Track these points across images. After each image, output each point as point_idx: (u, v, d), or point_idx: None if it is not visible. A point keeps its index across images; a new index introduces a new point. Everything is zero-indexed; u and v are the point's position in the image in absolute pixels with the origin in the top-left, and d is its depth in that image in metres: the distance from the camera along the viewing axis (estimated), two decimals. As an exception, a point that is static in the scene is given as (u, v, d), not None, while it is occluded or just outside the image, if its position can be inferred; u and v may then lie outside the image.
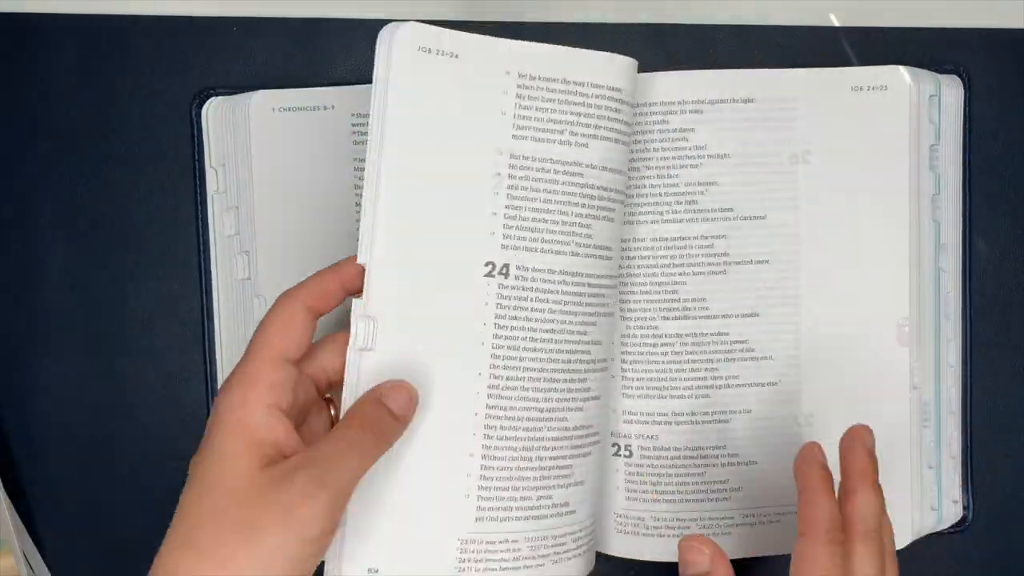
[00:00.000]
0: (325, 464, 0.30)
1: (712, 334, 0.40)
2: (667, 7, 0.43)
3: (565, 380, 0.36)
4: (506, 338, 0.35)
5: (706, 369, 0.40)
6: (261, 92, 0.41)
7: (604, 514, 0.41)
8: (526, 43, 0.35)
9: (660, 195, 0.40)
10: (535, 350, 0.35)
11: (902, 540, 0.42)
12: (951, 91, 0.42)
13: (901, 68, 0.40)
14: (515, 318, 0.35)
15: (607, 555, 0.41)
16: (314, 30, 0.42)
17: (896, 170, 0.41)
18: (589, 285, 0.36)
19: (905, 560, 0.40)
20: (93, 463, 0.43)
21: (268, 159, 0.41)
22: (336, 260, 0.40)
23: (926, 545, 0.43)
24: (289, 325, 0.32)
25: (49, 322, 0.43)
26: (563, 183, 0.35)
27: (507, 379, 0.35)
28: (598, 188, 0.36)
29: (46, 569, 0.43)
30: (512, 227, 0.35)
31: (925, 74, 0.41)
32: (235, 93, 0.42)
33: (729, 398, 0.41)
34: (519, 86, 0.35)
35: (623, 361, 0.40)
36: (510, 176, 0.35)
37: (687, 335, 0.40)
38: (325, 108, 0.41)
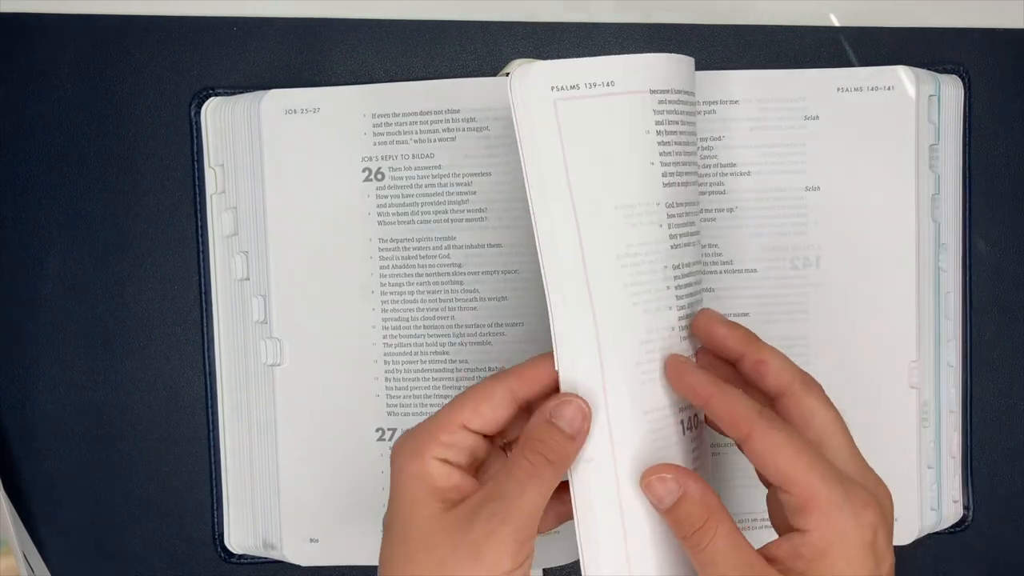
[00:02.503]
0: (504, 498, 0.30)
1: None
2: (667, 7, 0.43)
3: None
4: None
5: None
6: (271, 92, 0.41)
7: None
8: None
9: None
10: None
11: (902, 540, 0.42)
12: (951, 91, 0.42)
13: (901, 68, 0.40)
14: None
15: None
16: (314, 30, 0.42)
17: (901, 171, 0.41)
18: None
19: (905, 560, 0.40)
20: (93, 463, 0.43)
21: (280, 158, 0.41)
22: (349, 257, 0.41)
23: (926, 545, 0.43)
24: (483, 402, 0.32)
25: (49, 322, 0.43)
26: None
27: None
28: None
29: (46, 569, 0.43)
30: None
31: (925, 74, 0.41)
32: (234, 93, 0.42)
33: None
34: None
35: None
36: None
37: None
38: (337, 107, 0.41)
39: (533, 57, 0.42)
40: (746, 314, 0.41)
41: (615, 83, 0.33)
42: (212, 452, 0.43)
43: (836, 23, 0.43)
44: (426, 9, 0.43)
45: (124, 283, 0.43)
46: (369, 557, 0.43)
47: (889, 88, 0.40)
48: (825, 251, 0.41)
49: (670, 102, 0.34)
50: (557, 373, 0.32)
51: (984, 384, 0.44)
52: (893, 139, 0.41)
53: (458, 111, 0.41)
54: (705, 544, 0.30)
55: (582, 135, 0.32)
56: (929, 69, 0.42)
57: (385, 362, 0.42)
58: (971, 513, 0.44)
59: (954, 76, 0.42)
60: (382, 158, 0.41)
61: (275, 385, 0.42)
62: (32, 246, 0.43)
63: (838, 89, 0.40)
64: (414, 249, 0.41)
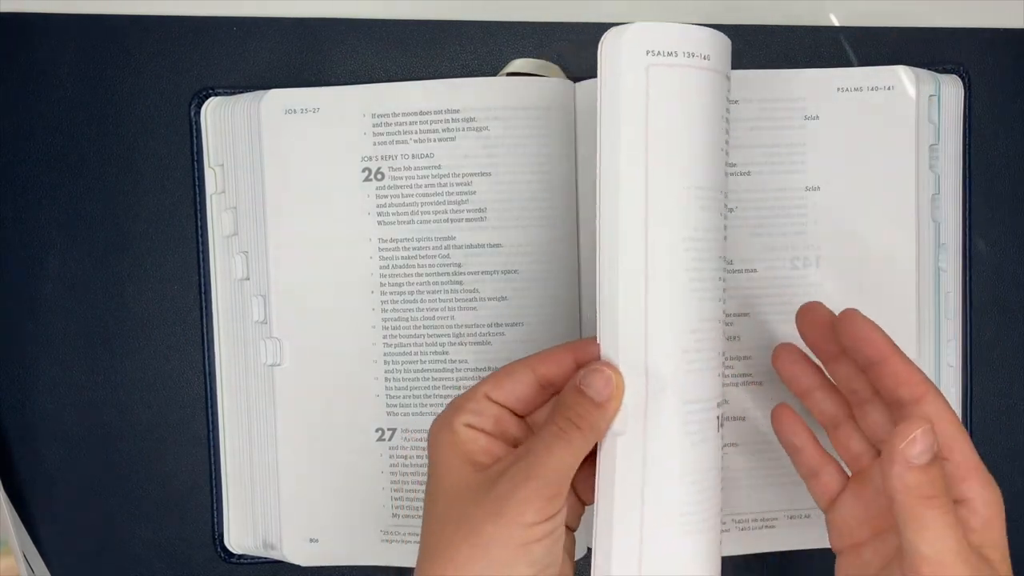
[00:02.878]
0: (531, 457, 0.31)
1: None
2: (667, 7, 0.43)
3: None
4: None
5: None
6: (271, 92, 0.41)
7: None
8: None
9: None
10: None
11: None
12: (951, 91, 0.42)
13: (901, 68, 0.40)
14: None
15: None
16: (314, 30, 0.42)
17: (901, 171, 0.41)
18: None
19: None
20: (93, 463, 0.43)
21: (279, 158, 0.41)
22: (348, 257, 0.41)
23: (926, 545, 0.43)
24: (504, 377, 0.33)
25: (49, 322, 0.43)
26: None
27: None
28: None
29: (46, 569, 0.43)
30: None
31: (925, 74, 0.41)
32: (234, 93, 0.42)
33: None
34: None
35: None
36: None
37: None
38: (337, 107, 0.41)
39: (533, 57, 0.42)
40: (746, 314, 0.41)
41: (710, 58, 0.32)
42: (212, 452, 0.43)
43: (836, 23, 0.43)
44: (426, 9, 0.43)
45: (124, 283, 0.43)
46: (369, 557, 0.43)
47: (889, 88, 0.40)
48: (825, 251, 0.41)
49: (731, 90, 0.34)
50: (583, 357, 0.33)
51: (984, 384, 0.44)
52: (893, 139, 0.41)
53: (458, 111, 0.41)
54: (944, 510, 0.30)
55: (670, 106, 0.31)
56: (929, 69, 0.42)
57: (385, 362, 0.42)
58: (971, 513, 0.44)
59: (954, 76, 0.42)
60: (382, 158, 0.41)
61: (275, 385, 0.42)
62: (32, 246, 0.43)
63: (838, 89, 0.40)
64: (414, 249, 0.41)
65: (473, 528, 0.30)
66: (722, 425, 0.34)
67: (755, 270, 0.41)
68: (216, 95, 0.42)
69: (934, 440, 0.29)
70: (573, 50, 0.43)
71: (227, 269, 0.43)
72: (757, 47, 0.43)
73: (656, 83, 0.31)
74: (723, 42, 0.33)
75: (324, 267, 0.42)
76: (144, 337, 0.43)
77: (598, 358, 0.32)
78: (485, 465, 0.32)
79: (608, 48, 0.31)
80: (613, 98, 0.31)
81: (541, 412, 0.34)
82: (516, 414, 0.34)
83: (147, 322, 0.43)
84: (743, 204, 0.41)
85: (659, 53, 0.31)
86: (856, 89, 0.40)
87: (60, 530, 0.43)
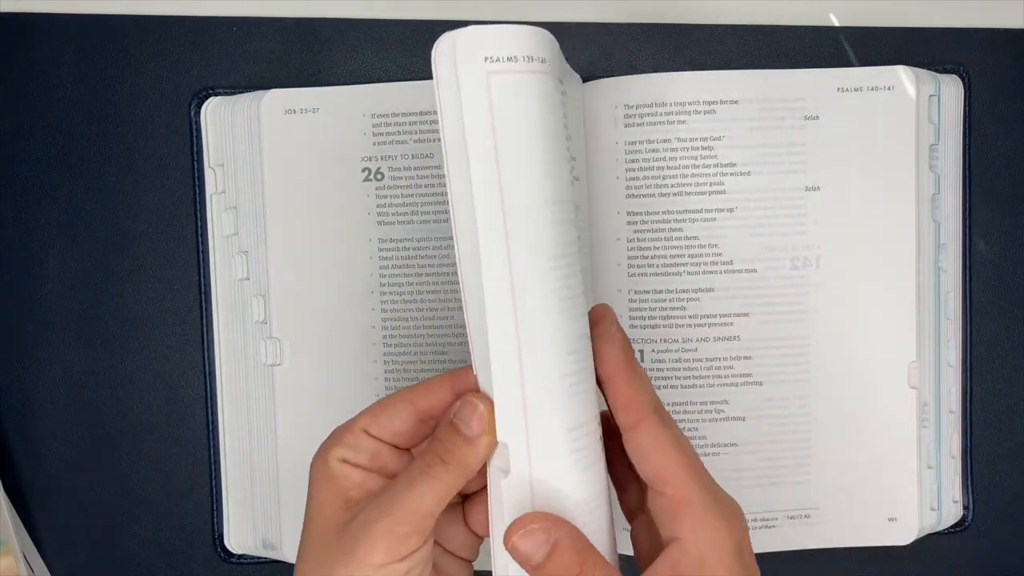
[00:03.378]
0: (390, 493, 0.30)
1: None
2: (667, 7, 0.43)
3: None
4: None
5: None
6: (271, 92, 0.41)
7: None
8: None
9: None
10: None
11: (902, 540, 0.42)
12: (951, 91, 0.42)
13: (901, 68, 0.40)
14: None
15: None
16: (314, 30, 0.42)
17: (901, 171, 0.41)
18: None
19: (905, 560, 0.40)
20: (93, 463, 0.43)
21: (279, 158, 0.41)
22: (348, 257, 0.41)
23: (926, 545, 0.43)
24: (381, 411, 0.32)
25: (49, 322, 0.43)
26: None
27: None
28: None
29: (46, 569, 0.43)
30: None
31: (925, 74, 0.41)
32: (234, 93, 0.42)
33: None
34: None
35: None
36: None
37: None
38: (337, 107, 0.41)
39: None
40: (746, 314, 0.41)
41: (547, 61, 0.29)
42: (212, 452, 0.43)
43: (836, 23, 0.43)
44: (426, 9, 0.43)
45: (124, 283, 0.43)
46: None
47: (889, 88, 0.40)
48: (825, 251, 0.41)
49: (565, 93, 0.31)
50: (462, 387, 0.31)
51: (984, 384, 0.44)
52: (893, 139, 0.41)
53: (458, 111, 0.40)
54: None
55: (516, 116, 0.28)
56: (929, 69, 0.42)
57: (385, 362, 0.42)
58: (971, 513, 0.44)
59: (954, 76, 0.42)
60: (382, 158, 0.41)
61: (275, 385, 0.42)
62: (32, 246, 0.43)
63: (838, 89, 0.40)
64: (414, 249, 0.41)
65: (328, 570, 0.29)
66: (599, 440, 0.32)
67: (755, 270, 0.41)
68: (216, 95, 0.42)
69: (545, 541, 0.29)
70: (573, 50, 0.43)
71: (227, 269, 0.43)
72: (757, 47, 0.43)
73: (499, 93, 0.28)
74: (553, 42, 0.30)
75: (324, 267, 0.42)
76: (144, 337, 0.43)
77: (476, 389, 0.30)
78: (359, 501, 0.31)
79: (442, 57, 0.28)
80: (456, 113, 0.28)
81: (425, 443, 0.33)
82: (398, 447, 0.32)
83: (147, 322, 0.43)
84: (743, 204, 0.41)
85: (498, 59, 0.28)
86: (856, 89, 0.40)
87: (60, 530, 0.43)
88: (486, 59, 0.28)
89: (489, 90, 0.28)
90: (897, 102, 0.40)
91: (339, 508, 0.30)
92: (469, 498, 0.34)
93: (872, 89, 0.40)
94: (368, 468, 0.31)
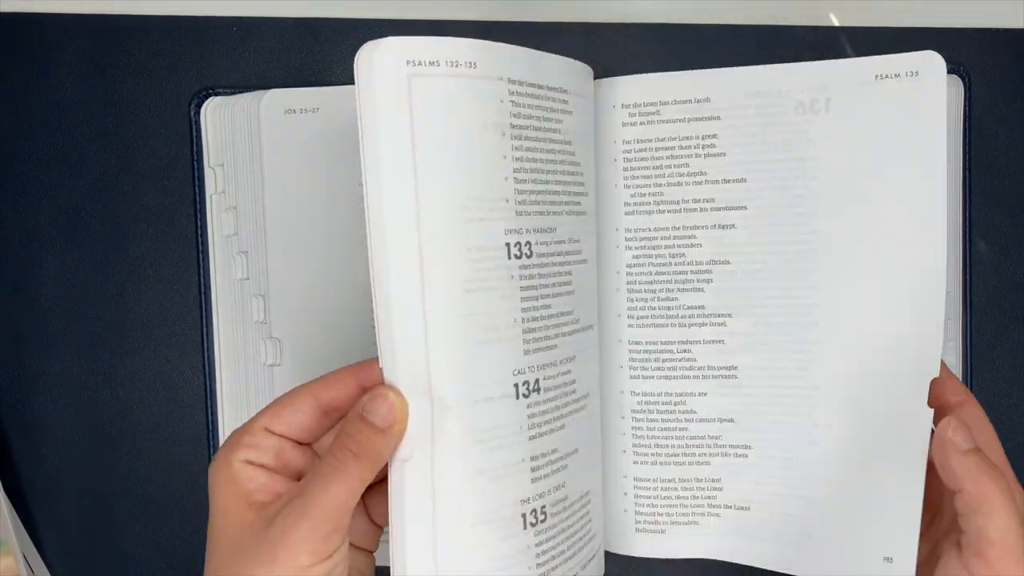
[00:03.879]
0: (307, 495, 0.29)
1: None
2: (667, 7, 0.43)
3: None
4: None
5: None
6: (271, 91, 0.41)
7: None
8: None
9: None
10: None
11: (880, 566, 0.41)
12: (951, 91, 0.42)
13: (933, 53, 0.38)
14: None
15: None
16: (314, 30, 0.42)
17: (901, 171, 0.40)
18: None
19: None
20: (93, 463, 0.43)
21: (279, 158, 0.41)
22: (349, 258, 0.41)
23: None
24: (283, 407, 0.32)
25: (49, 322, 0.43)
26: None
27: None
28: None
29: (45, 569, 0.43)
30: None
31: (925, 74, 0.41)
32: (234, 93, 0.42)
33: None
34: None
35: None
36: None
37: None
38: (337, 107, 0.41)
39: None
40: (746, 314, 0.41)
41: (477, 65, 0.31)
42: (212, 452, 0.43)
43: (836, 23, 0.43)
44: (426, 9, 0.43)
45: (124, 283, 0.43)
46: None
47: (914, 74, 0.38)
48: (826, 251, 0.41)
49: (528, 95, 0.33)
50: (367, 380, 0.32)
51: (984, 384, 0.44)
52: (918, 132, 0.40)
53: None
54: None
55: (437, 117, 0.30)
56: (929, 69, 0.42)
57: (385, 362, 0.42)
58: (971, 513, 0.44)
59: (954, 76, 0.42)
60: (382, 158, 0.41)
61: (275, 385, 0.42)
62: (32, 246, 0.43)
63: (857, 82, 0.40)
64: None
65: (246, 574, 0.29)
66: (535, 437, 0.34)
67: (755, 270, 0.41)
68: (216, 95, 0.42)
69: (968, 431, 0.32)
70: (573, 50, 0.43)
71: (227, 269, 0.43)
72: (758, 47, 0.43)
73: (419, 94, 0.30)
74: (489, 48, 0.32)
75: (324, 267, 0.42)
76: (144, 337, 0.43)
77: (382, 381, 0.31)
78: (264, 504, 0.30)
79: (364, 60, 0.30)
80: (374, 111, 0.30)
81: (328, 437, 0.33)
82: (301, 443, 0.32)
83: (147, 322, 0.43)
84: (743, 204, 0.41)
85: (420, 63, 0.30)
86: (877, 78, 0.39)
87: (60, 530, 0.43)
88: (408, 62, 0.30)
89: (410, 92, 0.30)
90: (924, 90, 0.38)
91: (246, 511, 0.30)
92: (370, 489, 0.34)
93: (895, 76, 0.39)
94: (272, 468, 0.31)
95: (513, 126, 0.33)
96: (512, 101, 0.32)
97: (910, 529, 0.36)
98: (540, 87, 0.34)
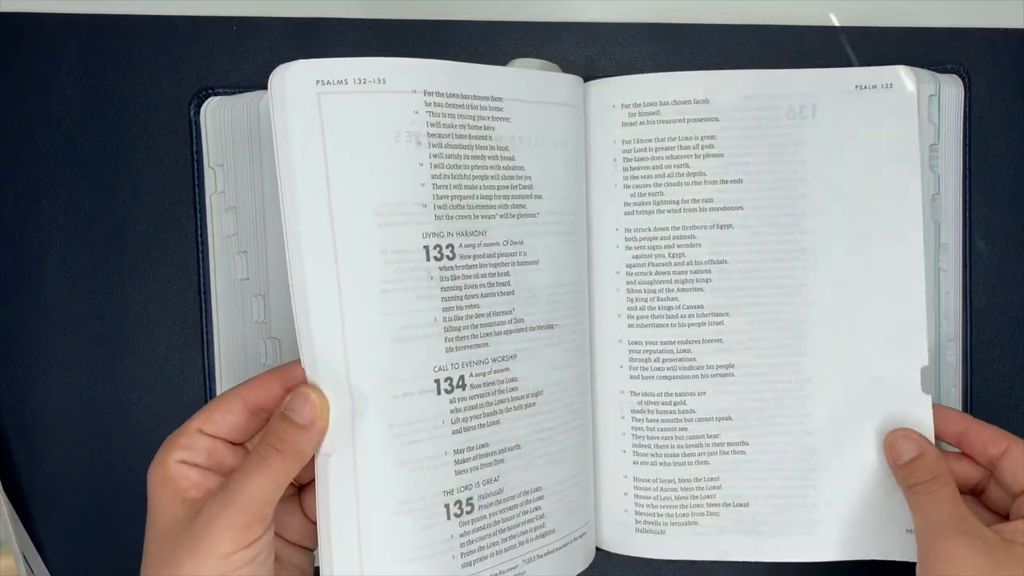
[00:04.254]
0: (230, 486, 0.31)
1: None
2: (667, 7, 0.43)
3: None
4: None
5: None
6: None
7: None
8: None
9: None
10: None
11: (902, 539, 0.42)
12: (951, 91, 0.42)
13: (901, 68, 0.40)
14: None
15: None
16: (314, 30, 0.42)
17: (901, 171, 0.40)
18: None
19: (905, 560, 0.40)
20: (93, 463, 0.43)
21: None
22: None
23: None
24: (214, 409, 0.34)
25: (49, 322, 0.43)
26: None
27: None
28: None
29: (45, 569, 0.43)
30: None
31: (925, 74, 0.41)
32: (234, 93, 0.42)
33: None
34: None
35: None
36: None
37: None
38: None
39: (534, 57, 0.42)
40: (745, 314, 0.41)
41: (387, 81, 0.33)
42: (212, 452, 0.43)
43: (836, 23, 0.43)
44: (426, 9, 0.43)
45: (124, 283, 0.43)
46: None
47: (888, 86, 0.40)
48: (825, 251, 0.41)
49: (449, 105, 0.35)
50: (291, 381, 0.34)
51: (984, 384, 0.44)
52: (893, 139, 0.40)
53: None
54: (933, 491, 0.36)
55: (346, 130, 0.33)
56: (929, 69, 0.42)
57: (385, 362, 0.42)
58: (971, 513, 0.44)
59: (954, 76, 0.42)
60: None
61: (275, 385, 0.42)
62: (32, 246, 0.43)
63: (839, 90, 0.40)
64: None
65: (174, 567, 0.30)
66: (460, 431, 0.35)
67: (754, 270, 0.41)
68: (216, 95, 0.42)
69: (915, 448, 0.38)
70: (573, 50, 0.43)
71: (227, 269, 0.43)
72: (758, 47, 0.43)
73: (329, 111, 0.32)
74: (400, 64, 0.33)
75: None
76: (144, 337, 0.43)
77: (305, 381, 0.33)
78: (197, 500, 0.32)
79: (277, 82, 0.32)
80: (287, 128, 0.32)
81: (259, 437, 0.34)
82: (234, 443, 0.34)
83: (147, 322, 0.43)
84: (742, 204, 0.41)
85: (329, 82, 0.32)
86: (856, 88, 0.40)
87: (60, 530, 0.43)
88: (318, 82, 0.32)
89: (320, 109, 0.32)
90: (897, 102, 0.40)
91: (179, 508, 0.32)
92: (305, 488, 0.36)
93: (872, 87, 0.40)
94: (206, 467, 0.33)
95: (431, 135, 0.34)
96: (429, 112, 0.34)
97: None
98: (466, 96, 0.35)
